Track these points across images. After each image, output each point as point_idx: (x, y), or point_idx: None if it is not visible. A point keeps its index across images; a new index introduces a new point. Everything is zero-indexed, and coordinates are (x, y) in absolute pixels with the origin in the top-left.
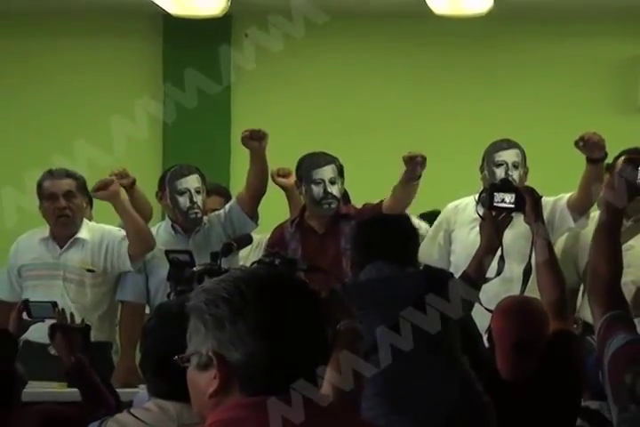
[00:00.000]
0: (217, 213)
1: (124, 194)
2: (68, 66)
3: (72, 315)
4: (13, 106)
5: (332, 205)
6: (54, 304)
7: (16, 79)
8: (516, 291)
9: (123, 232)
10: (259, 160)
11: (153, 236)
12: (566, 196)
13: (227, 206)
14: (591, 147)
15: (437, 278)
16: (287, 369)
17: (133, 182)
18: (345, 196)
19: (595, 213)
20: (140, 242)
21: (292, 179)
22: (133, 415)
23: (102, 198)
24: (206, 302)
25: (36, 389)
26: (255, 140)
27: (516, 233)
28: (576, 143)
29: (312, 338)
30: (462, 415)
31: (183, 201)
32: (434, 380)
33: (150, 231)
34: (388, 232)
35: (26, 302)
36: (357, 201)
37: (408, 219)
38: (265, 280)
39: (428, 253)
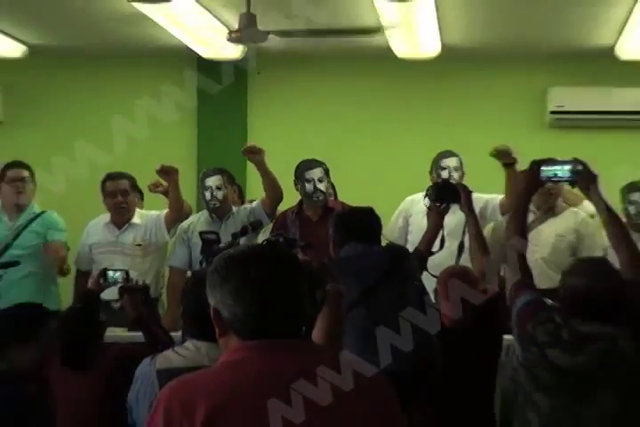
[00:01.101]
0: (245, 206)
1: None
2: (118, 100)
3: (136, 280)
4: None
5: (320, 198)
6: (127, 271)
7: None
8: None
9: (160, 214)
10: (262, 170)
11: (186, 209)
12: (499, 197)
13: (254, 204)
14: (501, 155)
15: (397, 254)
16: (265, 322)
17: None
18: (333, 191)
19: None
20: (177, 210)
21: None
22: (176, 352)
23: (166, 180)
24: (210, 272)
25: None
26: (256, 153)
27: (458, 219)
28: (491, 154)
29: (287, 298)
30: (421, 355)
31: (207, 195)
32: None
33: (183, 213)
34: (360, 221)
35: (104, 270)
36: (342, 193)
37: (373, 211)
38: (244, 256)
39: (391, 232)
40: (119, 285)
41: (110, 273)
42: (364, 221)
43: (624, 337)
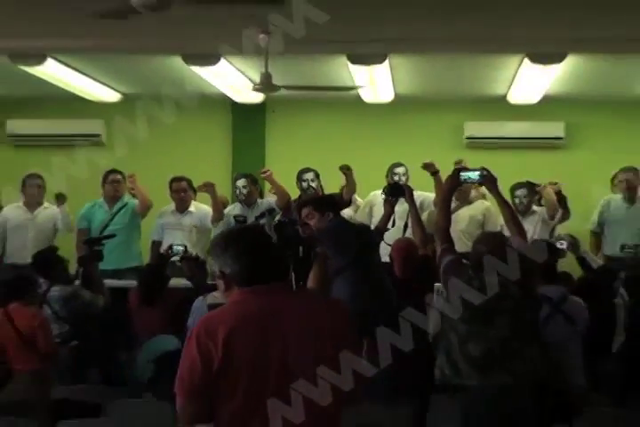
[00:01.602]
0: (267, 199)
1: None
2: (179, 130)
3: (191, 252)
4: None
5: (311, 191)
6: (185, 246)
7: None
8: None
9: (209, 209)
10: (272, 183)
11: (223, 214)
12: (433, 196)
13: (272, 200)
14: (427, 167)
15: (364, 229)
16: (258, 275)
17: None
18: (321, 190)
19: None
20: (217, 214)
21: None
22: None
23: (207, 192)
24: (212, 246)
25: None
26: (264, 173)
27: (404, 208)
28: (421, 167)
29: (272, 259)
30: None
31: (237, 191)
32: (379, 280)
33: (221, 211)
34: (340, 205)
35: (171, 245)
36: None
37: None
38: (239, 232)
39: (361, 216)
40: (180, 255)
41: (175, 247)
42: (340, 204)
43: (513, 285)
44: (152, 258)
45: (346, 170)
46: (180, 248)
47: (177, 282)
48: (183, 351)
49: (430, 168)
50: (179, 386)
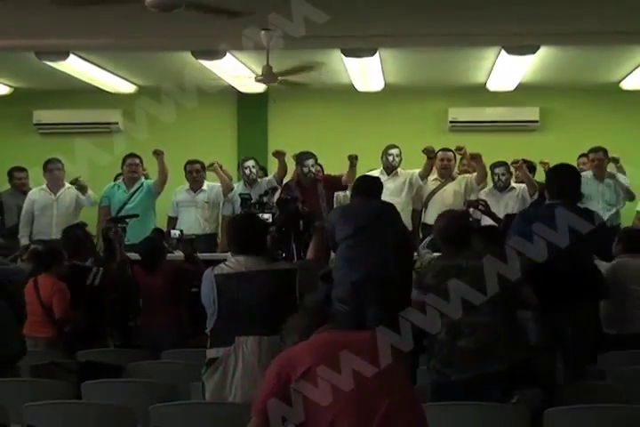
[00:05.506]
0: (267, 178)
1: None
2: (190, 118)
3: (186, 235)
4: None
5: (311, 175)
6: (182, 231)
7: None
8: None
9: (219, 185)
10: (281, 161)
11: (231, 187)
12: (417, 171)
13: (271, 178)
14: (427, 152)
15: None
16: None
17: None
18: (321, 169)
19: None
20: (226, 189)
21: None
22: (226, 264)
23: (214, 171)
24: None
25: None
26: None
27: (394, 186)
28: (422, 151)
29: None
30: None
31: (247, 171)
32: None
33: (228, 186)
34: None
35: (169, 230)
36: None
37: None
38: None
39: None
40: (177, 237)
41: (172, 231)
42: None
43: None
44: (153, 232)
45: (354, 159)
46: (177, 232)
47: (175, 255)
48: None
49: (430, 153)
50: None
